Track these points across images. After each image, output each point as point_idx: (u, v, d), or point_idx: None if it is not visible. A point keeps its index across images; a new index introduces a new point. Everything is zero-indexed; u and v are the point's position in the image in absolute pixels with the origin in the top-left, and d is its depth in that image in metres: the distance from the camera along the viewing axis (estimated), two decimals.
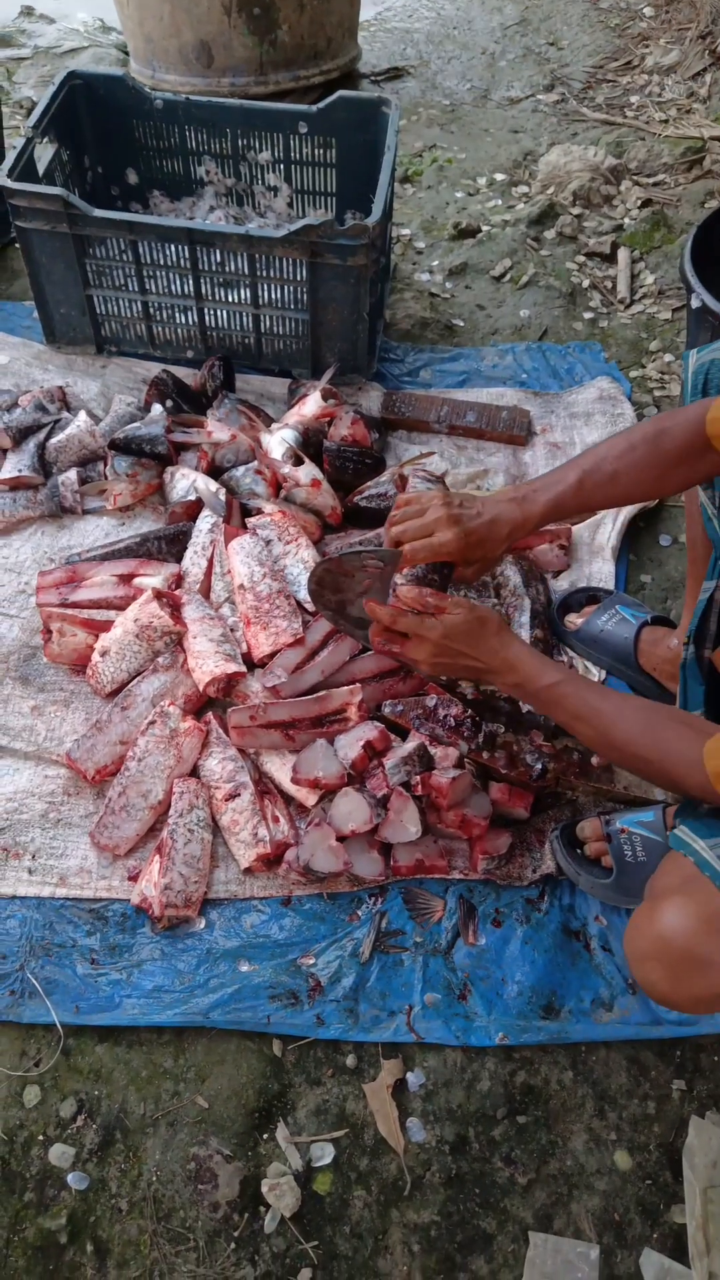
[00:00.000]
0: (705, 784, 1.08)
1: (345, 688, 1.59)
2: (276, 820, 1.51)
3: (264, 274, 1.93)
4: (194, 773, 1.57)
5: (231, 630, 1.69)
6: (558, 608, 1.78)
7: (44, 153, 2.02)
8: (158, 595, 1.65)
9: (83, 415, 1.94)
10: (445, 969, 1.41)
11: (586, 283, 2.44)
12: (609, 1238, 1.23)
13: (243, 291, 1.98)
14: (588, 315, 2.36)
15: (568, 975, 1.41)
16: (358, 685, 1.60)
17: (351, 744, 1.54)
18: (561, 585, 1.83)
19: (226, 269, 1.95)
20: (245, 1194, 1.23)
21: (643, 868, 1.40)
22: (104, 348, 2.14)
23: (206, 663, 1.61)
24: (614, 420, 2.07)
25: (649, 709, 1.20)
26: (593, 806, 1.56)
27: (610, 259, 2.51)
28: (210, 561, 1.77)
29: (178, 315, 2.05)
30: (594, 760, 1.57)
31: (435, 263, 2.50)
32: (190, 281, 1.97)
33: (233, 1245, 1.20)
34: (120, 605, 1.72)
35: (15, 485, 1.89)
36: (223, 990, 1.37)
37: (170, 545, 1.80)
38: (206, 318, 2.04)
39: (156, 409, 1.96)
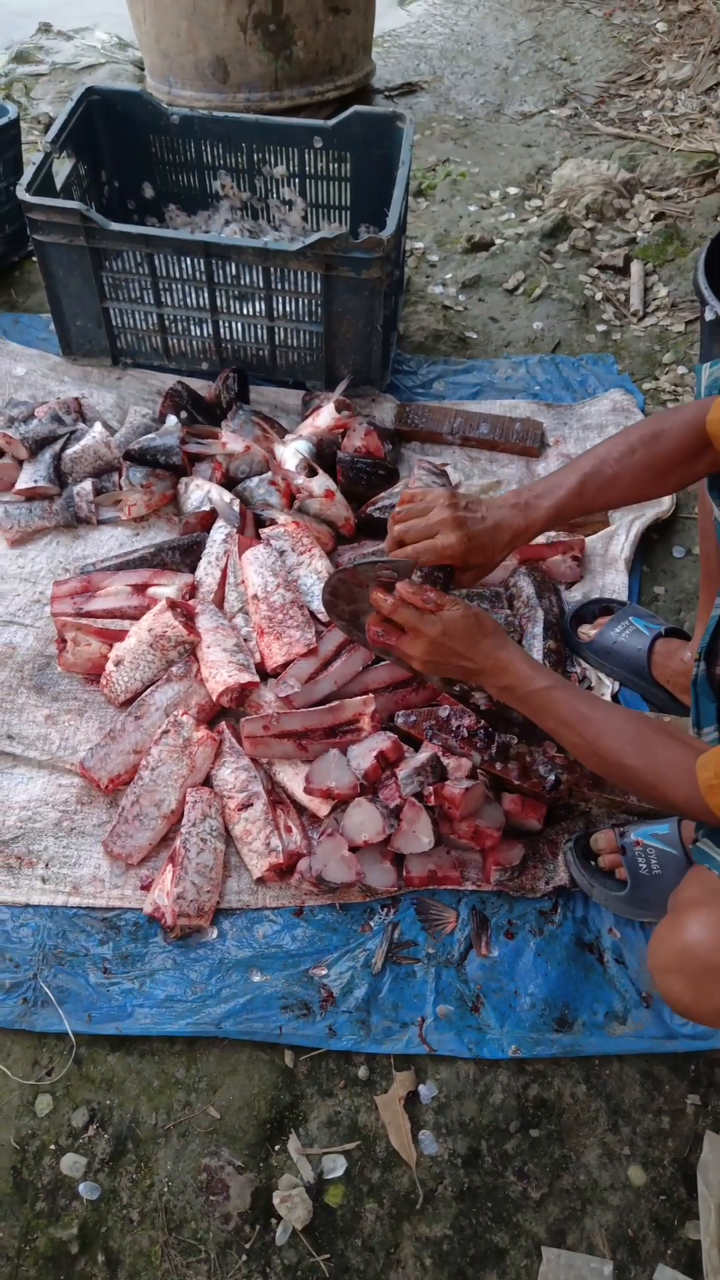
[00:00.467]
0: (692, 797, 1.08)
1: (358, 698, 1.60)
2: (289, 830, 1.51)
3: (279, 287, 1.95)
4: (207, 782, 1.57)
5: (245, 640, 1.70)
6: (571, 619, 1.78)
7: (62, 167, 2.04)
8: (172, 605, 1.66)
9: (98, 426, 1.96)
10: (458, 980, 1.40)
11: (599, 295, 2.45)
12: (623, 1253, 1.22)
13: (258, 304, 2.00)
14: (601, 328, 2.37)
15: (581, 988, 1.40)
16: (371, 695, 1.60)
17: (364, 754, 1.54)
18: (574, 596, 1.83)
19: (242, 282, 1.96)
20: (257, 1205, 1.23)
21: (657, 881, 1.40)
22: (120, 359, 2.16)
23: (220, 672, 1.61)
24: None
25: (639, 720, 1.21)
26: (606, 818, 1.55)
27: (623, 272, 2.52)
28: (224, 572, 1.77)
29: (193, 328, 2.07)
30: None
31: (448, 275, 2.51)
32: (206, 294, 1.98)
33: (244, 1257, 1.19)
34: (134, 615, 1.72)
35: (31, 495, 1.90)
36: (235, 1000, 1.37)
37: (184, 555, 1.81)
38: (221, 330, 2.05)
39: (171, 420, 1.97)
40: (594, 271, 2.51)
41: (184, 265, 1.95)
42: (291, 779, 1.56)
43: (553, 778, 1.52)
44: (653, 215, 2.66)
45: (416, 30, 3.82)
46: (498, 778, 1.54)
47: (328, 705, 1.59)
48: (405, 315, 2.37)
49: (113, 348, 2.13)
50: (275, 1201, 1.23)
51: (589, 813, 1.57)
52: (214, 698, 1.62)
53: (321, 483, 1.87)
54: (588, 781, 1.54)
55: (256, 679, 1.63)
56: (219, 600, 1.76)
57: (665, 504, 1.94)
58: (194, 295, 2.00)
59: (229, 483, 1.94)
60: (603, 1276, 1.19)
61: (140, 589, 1.75)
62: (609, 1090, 1.33)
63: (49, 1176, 1.23)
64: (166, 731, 1.56)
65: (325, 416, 1.98)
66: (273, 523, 1.86)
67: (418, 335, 2.33)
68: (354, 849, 1.47)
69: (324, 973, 1.41)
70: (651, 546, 1.93)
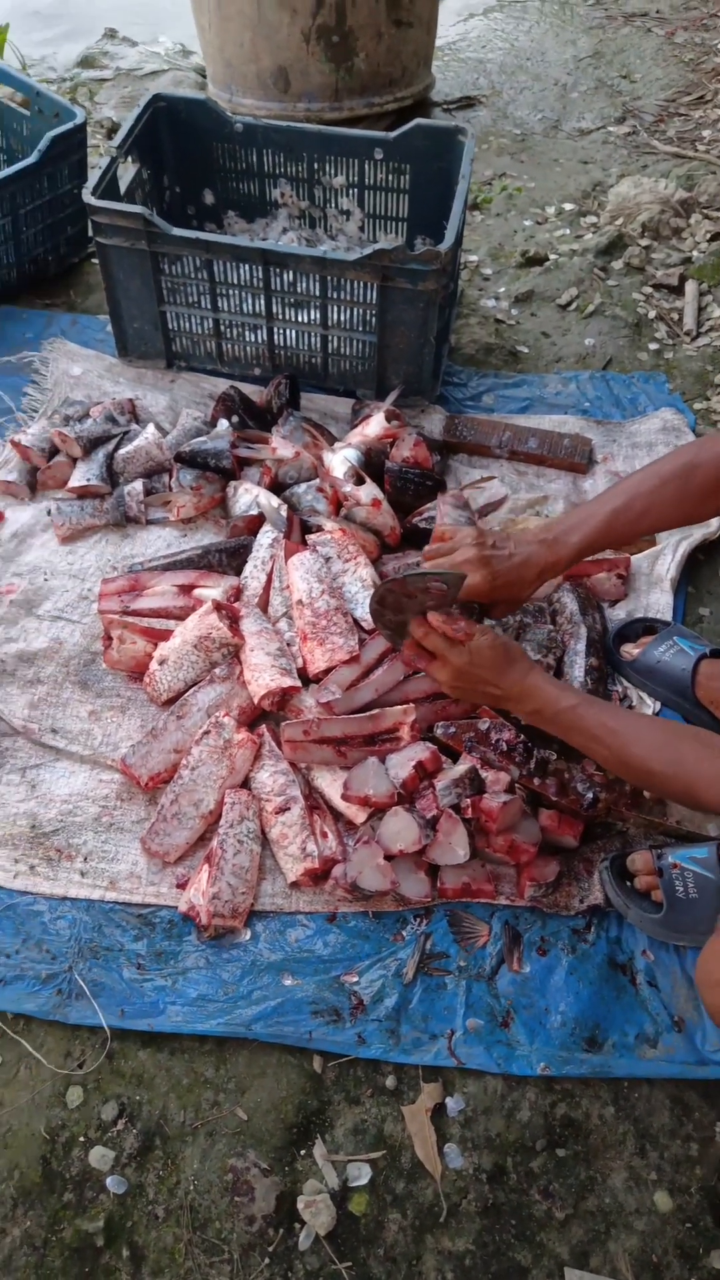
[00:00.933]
0: None
1: (399, 707, 1.60)
2: (325, 836, 1.52)
3: (335, 296, 1.96)
4: (245, 784, 1.58)
5: (288, 645, 1.71)
6: (614, 637, 1.77)
7: (126, 172, 2.07)
8: (217, 607, 1.68)
9: (151, 428, 1.98)
10: (488, 995, 1.40)
11: (653, 314, 2.44)
12: (646, 1279, 1.20)
13: (312, 312, 2.01)
14: (653, 346, 2.36)
15: (612, 1009, 1.39)
16: (411, 705, 1.60)
17: (403, 763, 1.55)
18: (618, 614, 1.82)
19: (298, 289, 1.98)
20: (281, 1209, 1.23)
21: (694, 905, 1.39)
22: (174, 363, 2.18)
23: (262, 676, 1.63)
24: None
25: (666, 727, 1.22)
26: (644, 839, 1.54)
27: (678, 291, 2.51)
28: (269, 576, 1.79)
29: (247, 333, 2.09)
30: (646, 792, 1.56)
31: (501, 289, 2.52)
32: (262, 301, 2.00)
33: (266, 1260, 1.20)
34: (180, 615, 1.74)
35: (83, 493, 1.93)
36: (266, 1003, 1.38)
37: (230, 558, 1.83)
38: (276, 336, 2.07)
39: (223, 424, 1.99)
40: (648, 290, 2.51)
41: (242, 272, 1.98)
42: (329, 785, 1.57)
43: (591, 795, 1.51)
44: (709, 235, 2.64)
45: (476, 45, 3.84)
46: (535, 793, 1.53)
47: (368, 713, 1.60)
48: (457, 327, 2.37)
49: (168, 351, 2.15)
50: (300, 1206, 1.23)
51: (626, 832, 1.56)
52: (255, 700, 1.63)
53: (369, 491, 1.88)
54: (626, 801, 1.54)
55: (298, 684, 1.64)
56: (263, 604, 1.77)
57: (713, 525, 1.93)
58: (250, 301, 2.03)
59: (277, 488, 1.95)
60: None
61: (186, 590, 1.77)
62: (637, 1114, 1.32)
63: (77, 1168, 1.25)
64: (208, 732, 1.58)
65: (375, 425, 1.98)
66: (319, 529, 1.87)
67: (469, 348, 2.33)
68: (389, 857, 1.48)
69: (355, 980, 1.41)
70: (698, 567, 1.92)
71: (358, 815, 1.54)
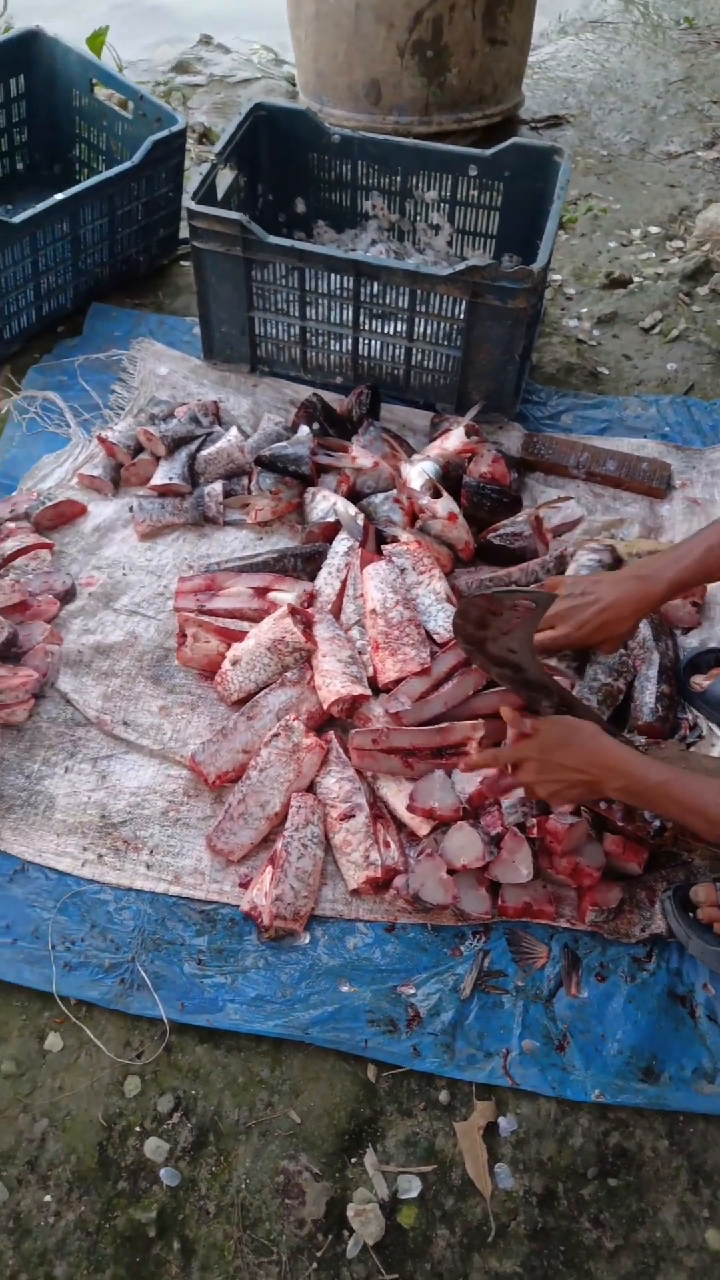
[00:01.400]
0: None
1: (468, 722, 1.60)
2: (388, 845, 1.53)
3: (422, 309, 1.97)
4: (311, 788, 1.59)
5: (359, 653, 1.72)
6: (685, 667, 1.76)
7: (224, 178, 2.11)
8: (292, 611, 1.69)
9: (234, 430, 2.01)
10: (545, 1017, 1.39)
11: None
12: None
13: (399, 324, 2.03)
14: None
15: (670, 1040, 1.38)
16: (480, 721, 1.60)
17: (470, 779, 1.55)
18: (692, 643, 1.81)
19: (386, 301, 1.99)
20: (330, 1215, 1.23)
21: None
22: (257, 367, 2.21)
23: (333, 682, 1.64)
24: None
25: None
26: (709, 871, 1.53)
27: None
28: (343, 583, 1.80)
29: (332, 342, 2.11)
30: None
31: (584, 310, 2.51)
32: (350, 311, 2.02)
33: (314, 1265, 1.20)
34: (253, 617, 1.76)
35: (164, 492, 1.96)
36: (323, 1008, 1.38)
37: (305, 563, 1.85)
38: (360, 347, 2.09)
39: (303, 430, 2.01)
40: None
41: (332, 281, 2.00)
42: (394, 795, 1.58)
43: (658, 823, 1.50)
44: None
45: (567, 64, 3.84)
46: (601, 817, 1.53)
47: (437, 726, 1.60)
48: (539, 346, 2.37)
49: (252, 355, 2.18)
50: (349, 1214, 1.23)
51: (691, 863, 1.54)
52: (324, 706, 1.64)
53: (446, 505, 1.89)
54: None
55: (368, 692, 1.65)
56: (336, 611, 1.79)
57: None
58: (338, 311, 2.05)
59: (354, 496, 1.97)
60: None
61: (261, 592, 1.79)
62: (692, 1149, 1.30)
63: (132, 1157, 1.26)
64: (277, 734, 1.59)
65: (454, 440, 1.99)
66: (394, 540, 1.88)
67: (550, 367, 2.33)
68: (451, 871, 1.48)
69: (412, 991, 1.41)
70: None
71: (421, 827, 1.54)
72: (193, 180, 2.48)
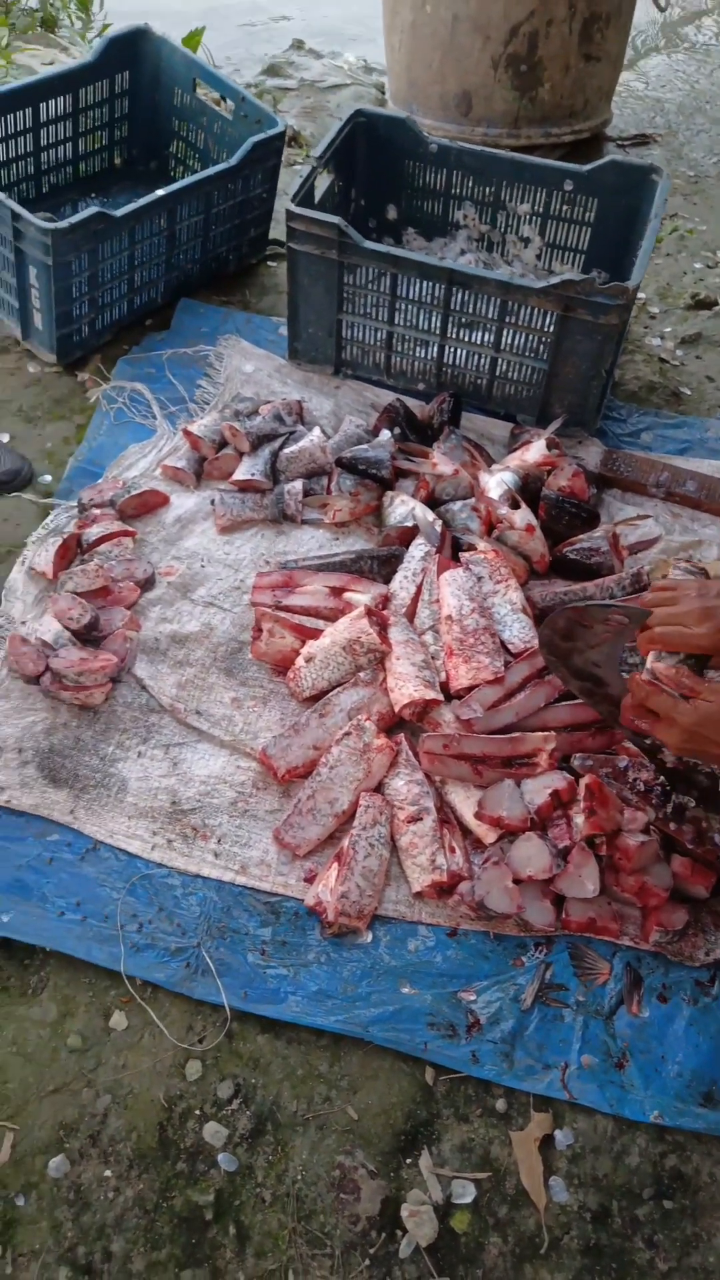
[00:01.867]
0: None
1: (540, 733, 1.60)
2: (453, 851, 1.53)
3: (511, 320, 1.98)
4: (379, 789, 1.60)
5: (432, 658, 1.73)
6: None
7: (322, 182, 2.13)
8: (369, 612, 1.71)
9: (317, 431, 2.03)
10: (605, 1034, 1.39)
11: None
12: None
13: (486, 334, 2.04)
14: None
15: None
16: (552, 733, 1.60)
17: (539, 790, 1.55)
18: None
19: (474, 310, 2.00)
20: (385, 1213, 1.24)
21: None
22: (341, 370, 2.23)
23: (407, 685, 1.65)
24: None
25: None
26: None
27: None
28: (419, 588, 1.81)
29: (418, 349, 2.12)
30: None
31: (668, 329, 2.50)
32: (438, 318, 2.03)
33: (367, 1261, 1.21)
34: (328, 616, 1.78)
35: (245, 487, 1.98)
36: (383, 1007, 1.39)
37: (382, 566, 1.86)
38: (446, 354, 2.10)
39: (385, 434, 2.03)
40: None
41: (422, 288, 2.01)
42: (462, 801, 1.58)
43: None
44: None
45: (656, 84, 3.83)
46: (670, 838, 1.52)
47: (509, 735, 1.60)
48: (621, 363, 2.37)
49: (337, 358, 2.20)
50: (403, 1214, 1.24)
51: None
52: (396, 709, 1.65)
53: (524, 516, 1.89)
54: None
55: (440, 697, 1.66)
56: (410, 615, 1.80)
57: None
58: (426, 318, 2.06)
59: (432, 503, 1.98)
60: None
61: (337, 592, 1.81)
62: None
63: (191, 1140, 1.28)
64: (348, 733, 1.60)
65: (535, 452, 1.99)
66: (470, 548, 1.89)
67: (631, 384, 2.33)
68: (516, 881, 1.48)
69: (472, 998, 1.42)
70: None
71: (488, 835, 1.54)
72: (284, 182, 2.52)
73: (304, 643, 1.73)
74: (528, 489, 1.97)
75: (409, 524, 1.92)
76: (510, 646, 1.74)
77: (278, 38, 3.95)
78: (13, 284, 2.12)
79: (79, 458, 2.07)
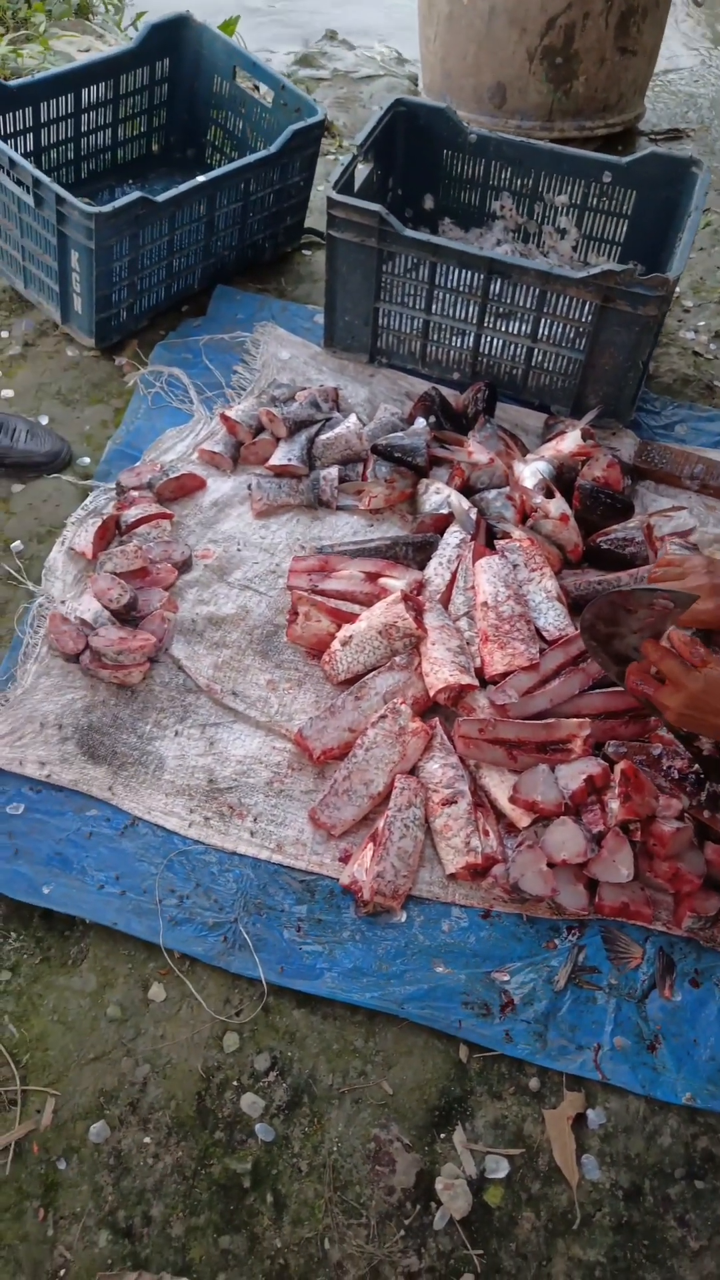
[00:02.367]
0: None
1: (574, 719, 1.61)
2: (487, 834, 1.54)
3: (549, 310, 1.99)
4: (413, 772, 1.62)
5: (467, 644, 1.74)
6: None
7: (361, 171, 2.14)
8: (405, 598, 1.72)
9: (353, 418, 2.04)
10: (637, 1016, 1.40)
11: None
12: None
13: (523, 324, 2.04)
14: None
15: None
16: (587, 720, 1.61)
17: (574, 775, 1.56)
18: None
19: (511, 300, 2.01)
20: (419, 1186, 1.26)
21: None
22: (376, 358, 2.24)
23: (442, 670, 1.66)
24: None
25: None
26: None
27: None
28: (454, 575, 1.82)
29: (454, 338, 2.13)
30: None
31: (701, 323, 2.50)
32: (475, 308, 2.04)
33: (402, 1232, 1.23)
34: (364, 600, 1.79)
35: (281, 472, 2.00)
36: (418, 985, 1.41)
37: (417, 552, 1.87)
38: (482, 344, 2.11)
39: (420, 422, 2.04)
40: None
41: (460, 277, 2.02)
42: (496, 785, 1.59)
43: None
44: None
45: (689, 78, 3.82)
46: (704, 826, 1.53)
47: (544, 721, 1.61)
48: (655, 356, 2.37)
49: (373, 346, 2.21)
50: (438, 1187, 1.25)
51: None
52: (431, 693, 1.67)
53: (558, 505, 1.90)
54: None
55: (475, 682, 1.67)
56: (445, 601, 1.81)
57: None
58: (463, 307, 2.07)
59: (467, 491, 1.99)
60: None
61: (372, 577, 1.82)
62: None
63: (229, 1110, 1.30)
64: (384, 716, 1.62)
65: (570, 442, 2.00)
66: (505, 536, 1.90)
67: (666, 377, 2.33)
68: (551, 865, 1.49)
69: (506, 979, 1.43)
70: None
71: (522, 819, 1.56)
72: (321, 170, 2.52)
73: (339, 627, 1.75)
74: (562, 479, 1.97)
75: (444, 511, 1.93)
76: (545, 634, 1.75)
77: (310, 28, 3.95)
78: (53, 268, 2.14)
79: (117, 441, 2.09)
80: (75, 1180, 1.25)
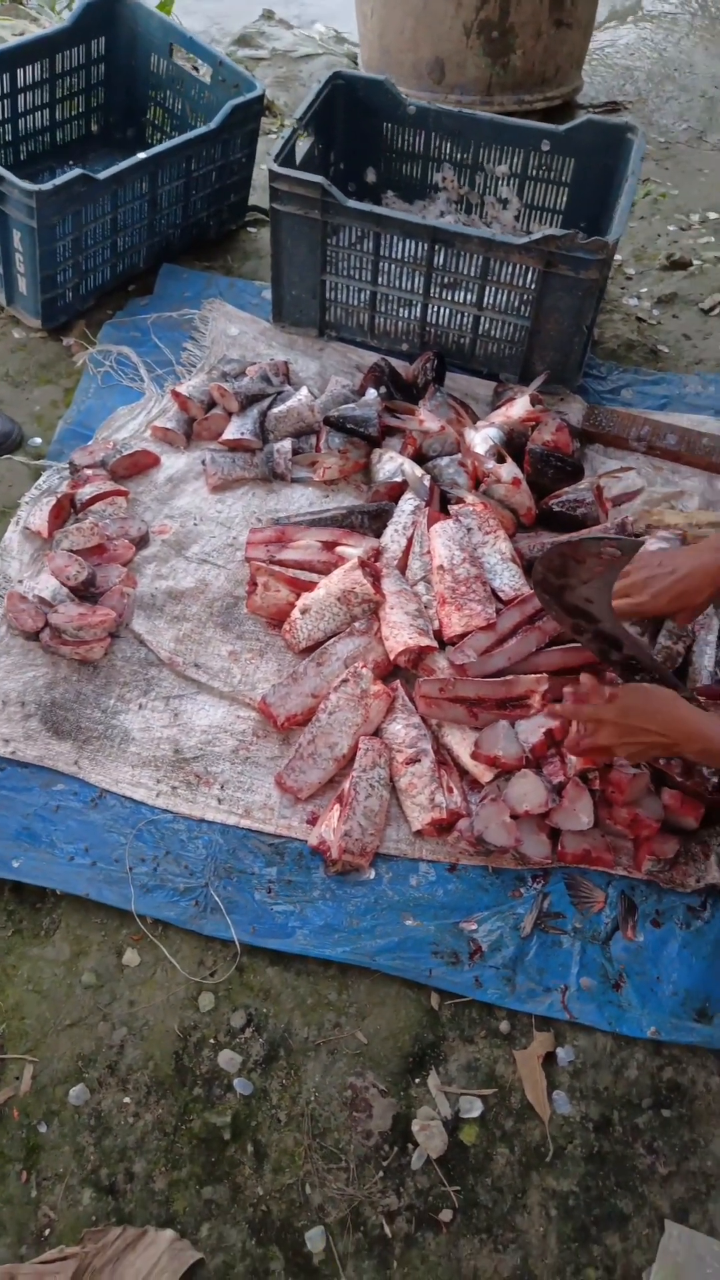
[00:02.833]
0: None
1: (532, 676, 1.65)
2: (451, 790, 1.57)
3: (493, 278, 2.01)
4: (377, 733, 1.64)
5: (425, 608, 1.77)
6: None
7: (302, 145, 2.15)
8: (362, 564, 1.74)
9: (304, 390, 2.06)
10: (602, 957, 1.44)
11: None
12: None
13: (468, 293, 2.07)
14: None
15: None
16: (544, 675, 1.65)
17: (534, 730, 1.59)
18: None
19: (457, 269, 2.03)
20: (396, 1129, 1.29)
21: None
22: (325, 332, 2.25)
23: (401, 633, 1.69)
24: None
25: None
26: None
27: None
28: (410, 540, 1.85)
29: (401, 309, 2.15)
30: None
31: (644, 290, 2.55)
32: (421, 278, 2.06)
33: (380, 1173, 1.26)
34: (322, 569, 1.81)
35: (235, 447, 2.01)
36: (388, 938, 1.44)
37: (372, 520, 1.89)
38: (429, 314, 2.13)
39: (371, 393, 2.06)
40: None
41: (405, 247, 2.04)
42: (459, 743, 1.62)
43: (716, 779, 1.55)
44: None
45: (625, 52, 3.86)
46: (660, 772, 1.57)
47: (503, 679, 1.65)
48: (600, 322, 2.41)
49: (321, 319, 2.23)
50: (414, 1129, 1.29)
51: None
52: (391, 656, 1.69)
53: (510, 470, 1.93)
54: None
55: (434, 644, 1.70)
56: (402, 567, 1.83)
57: None
58: (408, 278, 2.09)
59: (419, 459, 2.01)
60: None
61: (329, 546, 1.84)
62: None
63: (207, 1066, 1.32)
64: (345, 680, 1.64)
65: (519, 408, 2.03)
66: (459, 501, 1.93)
67: (610, 343, 2.37)
68: (514, 817, 1.53)
69: (474, 928, 1.46)
70: None
71: (484, 774, 1.59)
72: (261, 150, 2.53)
73: (298, 596, 1.76)
74: (512, 444, 2.00)
75: (398, 479, 1.95)
76: (501, 594, 1.78)
77: (247, 8, 3.93)
78: None
79: (68, 420, 2.08)
80: (57, 1142, 1.26)
